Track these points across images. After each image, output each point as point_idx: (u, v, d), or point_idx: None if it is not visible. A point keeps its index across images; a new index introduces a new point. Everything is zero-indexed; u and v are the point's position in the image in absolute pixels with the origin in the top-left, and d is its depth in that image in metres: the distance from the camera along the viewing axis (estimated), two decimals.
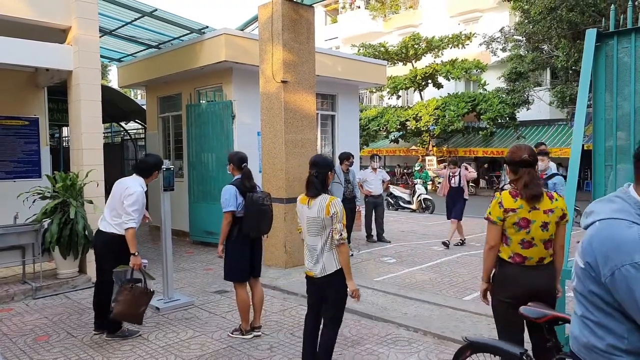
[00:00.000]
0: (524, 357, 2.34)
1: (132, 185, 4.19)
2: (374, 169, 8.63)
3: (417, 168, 17.80)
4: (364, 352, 4.00)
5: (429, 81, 23.20)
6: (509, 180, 2.87)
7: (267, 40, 6.76)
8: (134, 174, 4.35)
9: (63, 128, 13.92)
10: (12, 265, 5.78)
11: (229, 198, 4.13)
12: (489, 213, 2.75)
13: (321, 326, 3.42)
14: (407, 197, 14.60)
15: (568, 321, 2.36)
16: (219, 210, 8.41)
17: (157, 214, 5.80)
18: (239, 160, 4.30)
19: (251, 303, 4.39)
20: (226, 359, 3.88)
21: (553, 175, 6.00)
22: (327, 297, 3.30)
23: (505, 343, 2.51)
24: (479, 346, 2.59)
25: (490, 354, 2.59)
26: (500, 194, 2.77)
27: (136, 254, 4.10)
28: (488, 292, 2.92)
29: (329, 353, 3.33)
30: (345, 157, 7.79)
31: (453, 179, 8.59)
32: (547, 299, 2.73)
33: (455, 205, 8.36)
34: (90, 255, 5.85)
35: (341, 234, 3.17)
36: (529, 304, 2.54)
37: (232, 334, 4.37)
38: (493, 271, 2.87)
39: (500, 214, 2.69)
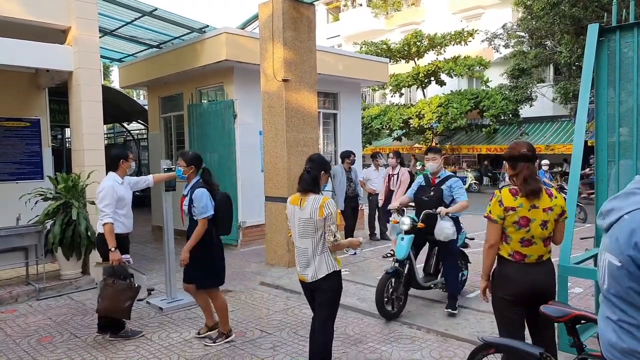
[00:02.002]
0: (544, 357, 2.28)
1: (101, 184, 4.29)
2: (377, 167, 8.59)
3: (418, 167, 17.72)
4: (367, 350, 3.99)
5: (432, 78, 23.11)
6: (508, 176, 2.84)
7: (267, 39, 6.74)
8: (110, 172, 4.42)
9: (65, 129, 13.96)
10: (16, 266, 5.80)
11: (208, 203, 3.96)
12: (489, 211, 2.72)
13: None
14: None
15: (591, 320, 2.31)
16: None
17: (160, 214, 5.81)
18: (200, 160, 4.18)
19: (213, 310, 4.27)
20: (229, 359, 3.88)
21: (447, 178, 4.93)
22: (320, 300, 3.22)
23: (523, 343, 2.45)
24: (495, 346, 2.53)
25: (508, 354, 2.51)
26: (500, 192, 2.74)
27: (113, 249, 4.09)
28: (487, 289, 2.90)
29: (328, 347, 3.28)
30: (346, 156, 7.78)
31: (392, 178, 7.24)
32: (545, 295, 2.72)
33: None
34: (93, 256, 5.87)
35: (335, 237, 3.12)
36: (550, 302, 2.52)
37: (216, 341, 4.15)
38: (492, 269, 2.85)
39: (501, 212, 2.67)
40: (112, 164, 4.44)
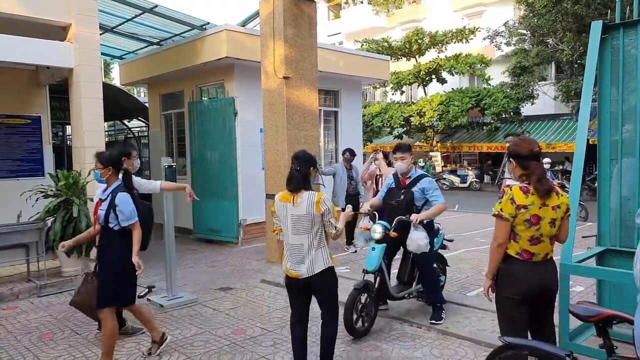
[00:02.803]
0: (572, 358, 2.22)
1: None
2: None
3: (421, 164, 17.65)
4: (368, 348, 3.99)
5: (433, 76, 23.09)
6: (514, 175, 2.80)
7: (268, 36, 6.72)
8: None
9: (66, 126, 13.95)
10: (17, 263, 5.81)
11: (134, 207, 3.55)
12: (500, 209, 2.66)
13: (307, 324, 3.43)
14: None
15: (626, 320, 2.27)
16: (222, 208, 8.44)
17: (160, 212, 5.80)
18: (119, 161, 3.68)
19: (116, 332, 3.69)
20: (230, 356, 3.87)
21: (420, 177, 4.45)
22: (323, 297, 3.25)
23: (548, 345, 2.41)
24: (517, 348, 2.45)
25: (530, 355, 2.44)
26: (511, 190, 2.69)
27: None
28: (490, 288, 2.87)
29: (333, 345, 3.34)
30: (342, 153, 7.71)
31: (380, 179, 6.65)
32: (550, 294, 2.73)
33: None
34: (94, 254, 5.86)
35: (336, 227, 3.17)
36: (578, 302, 2.49)
37: None
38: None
39: (512, 210, 2.63)
40: None
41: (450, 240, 5.24)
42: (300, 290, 3.26)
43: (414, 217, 4.22)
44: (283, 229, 3.25)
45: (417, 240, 4.16)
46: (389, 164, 6.58)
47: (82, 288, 4.05)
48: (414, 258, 4.52)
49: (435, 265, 4.76)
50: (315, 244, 3.15)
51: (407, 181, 4.47)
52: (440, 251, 4.98)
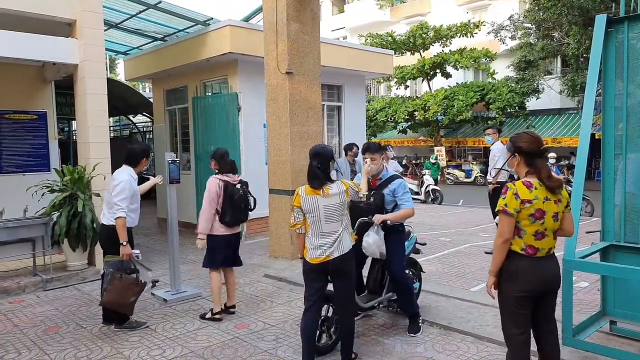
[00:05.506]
0: None
1: (118, 177, 4.24)
2: (388, 159, 8.43)
3: (432, 161, 17.65)
4: (370, 342, 4.00)
5: (437, 71, 22.97)
6: (517, 170, 2.76)
7: (271, 31, 6.71)
8: (123, 165, 4.37)
9: (72, 122, 14.02)
10: (23, 257, 5.86)
11: None
12: (505, 205, 2.65)
13: (321, 315, 3.57)
14: (415, 188, 14.56)
15: None
16: None
17: (165, 207, 5.84)
18: None
19: None
20: (232, 350, 3.90)
21: (390, 179, 4.07)
22: (343, 280, 3.39)
23: None
24: None
25: None
26: (514, 185, 2.68)
27: (124, 243, 4.08)
28: (493, 286, 2.86)
29: (353, 333, 3.55)
30: (349, 148, 7.68)
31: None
32: (553, 290, 2.73)
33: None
34: (99, 248, 5.91)
35: (361, 194, 3.55)
36: None
37: None
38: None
39: (517, 205, 2.63)
40: (134, 159, 4.36)
41: (423, 244, 4.91)
42: (324, 275, 3.40)
43: (377, 217, 3.86)
44: (311, 219, 3.32)
45: (372, 244, 3.79)
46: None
47: (111, 287, 4.08)
48: (384, 264, 4.16)
49: (407, 271, 4.36)
50: (343, 226, 3.35)
51: (378, 182, 4.10)
52: (413, 255, 4.65)
